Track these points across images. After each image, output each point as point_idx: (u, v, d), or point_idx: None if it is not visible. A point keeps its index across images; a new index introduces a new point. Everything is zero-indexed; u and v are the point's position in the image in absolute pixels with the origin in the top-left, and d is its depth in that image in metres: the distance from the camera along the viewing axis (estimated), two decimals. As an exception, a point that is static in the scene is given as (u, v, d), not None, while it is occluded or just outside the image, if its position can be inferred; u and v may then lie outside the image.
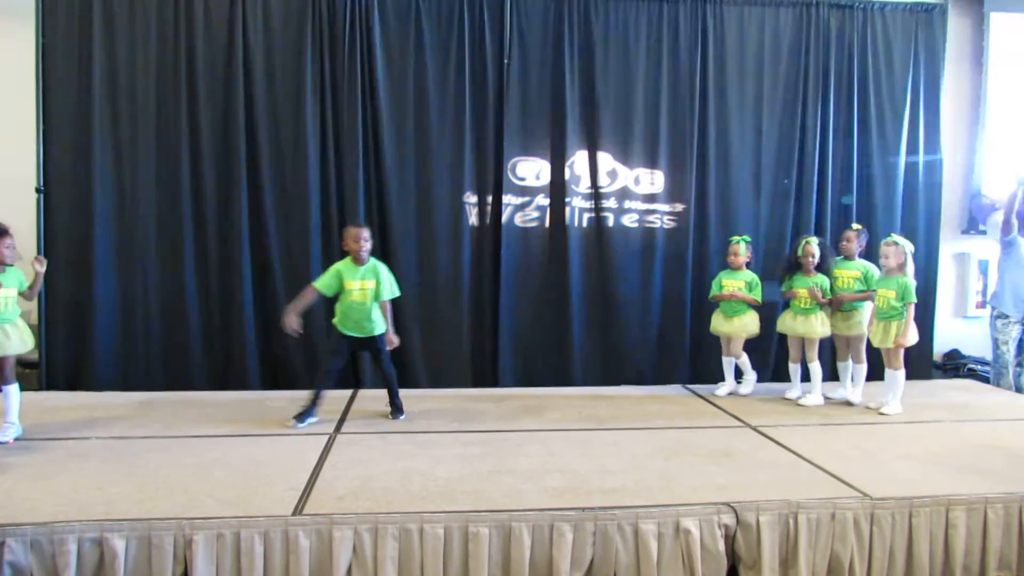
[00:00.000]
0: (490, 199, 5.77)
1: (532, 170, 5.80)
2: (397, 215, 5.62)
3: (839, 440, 4.24)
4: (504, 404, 5.09)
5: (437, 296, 5.76)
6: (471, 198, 5.78)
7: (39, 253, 5.29)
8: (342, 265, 4.41)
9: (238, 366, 5.58)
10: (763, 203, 6.07)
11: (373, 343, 4.49)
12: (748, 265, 5.38)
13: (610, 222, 5.93)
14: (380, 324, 4.46)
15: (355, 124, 5.54)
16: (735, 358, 5.39)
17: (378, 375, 4.88)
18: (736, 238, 5.42)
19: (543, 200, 5.86)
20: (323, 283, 4.36)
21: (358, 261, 4.38)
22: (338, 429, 4.40)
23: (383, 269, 4.47)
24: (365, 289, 4.38)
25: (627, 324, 5.92)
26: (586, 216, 5.94)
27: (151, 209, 5.47)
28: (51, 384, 5.44)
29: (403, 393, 4.73)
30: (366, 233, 4.39)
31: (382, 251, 5.59)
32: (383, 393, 4.77)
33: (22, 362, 5.61)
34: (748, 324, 5.31)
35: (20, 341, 4.07)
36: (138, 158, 5.48)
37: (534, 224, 5.85)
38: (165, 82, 5.49)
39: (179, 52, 5.48)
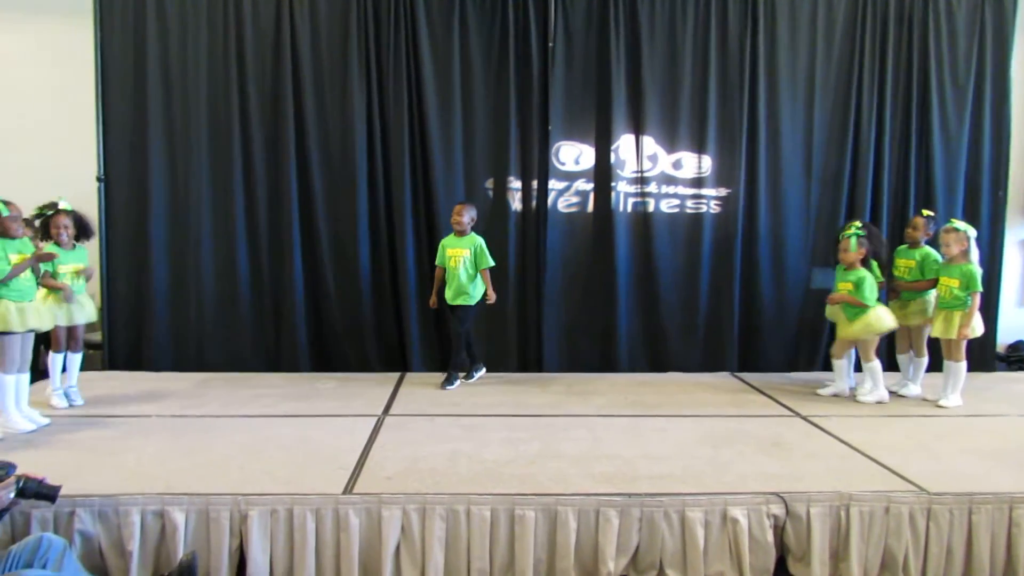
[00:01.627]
0: (535, 184, 5.74)
1: (572, 154, 5.74)
2: (443, 201, 5.61)
3: (895, 432, 4.13)
4: (550, 389, 5.07)
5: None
6: (515, 183, 5.76)
7: (101, 239, 5.51)
8: (445, 239, 5.06)
9: (289, 348, 5.69)
10: (814, 186, 5.92)
11: (457, 311, 4.96)
12: (864, 262, 4.77)
13: (656, 207, 5.84)
14: (474, 296, 4.94)
15: (401, 111, 5.57)
16: (866, 363, 4.80)
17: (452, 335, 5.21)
18: (847, 231, 4.80)
19: (583, 185, 5.81)
20: (438, 258, 5.07)
21: (460, 232, 5.00)
22: (386, 411, 4.45)
23: (479, 242, 4.98)
24: (458, 257, 4.94)
25: (674, 310, 5.84)
26: (631, 201, 5.86)
27: (204, 196, 5.59)
28: (112, 364, 5.63)
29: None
30: (468, 209, 5.01)
31: (428, 236, 5.65)
32: (432, 376, 4.87)
33: (87, 343, 5.85)
34: (872, 323, 4.71)
35: (90, 311, 4.42)
36: (191, 147, 5.60)
37: (576, 209, 5.81)
38: (216, 73, 5.59)
39: (228, 44, 5.58)
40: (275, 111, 5.58)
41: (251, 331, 5.69)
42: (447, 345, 5.44)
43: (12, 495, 2.45)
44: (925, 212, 5.14)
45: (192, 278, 5.65)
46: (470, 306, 4.98)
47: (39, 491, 2.58)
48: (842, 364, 4.98)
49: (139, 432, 3.89)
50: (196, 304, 5.66)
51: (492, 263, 5.02)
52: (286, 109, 5.55)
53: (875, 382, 4.79)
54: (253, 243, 5.65)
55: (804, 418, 4.41)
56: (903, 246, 5.10)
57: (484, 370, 5.21)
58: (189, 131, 5.55)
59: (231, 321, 5.65)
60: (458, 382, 4.98)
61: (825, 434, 4.07)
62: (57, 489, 2.64)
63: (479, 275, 5.00)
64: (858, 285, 4.69)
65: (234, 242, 5.62)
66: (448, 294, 4.98)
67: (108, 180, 5.56)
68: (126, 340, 5.64)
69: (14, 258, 3.84)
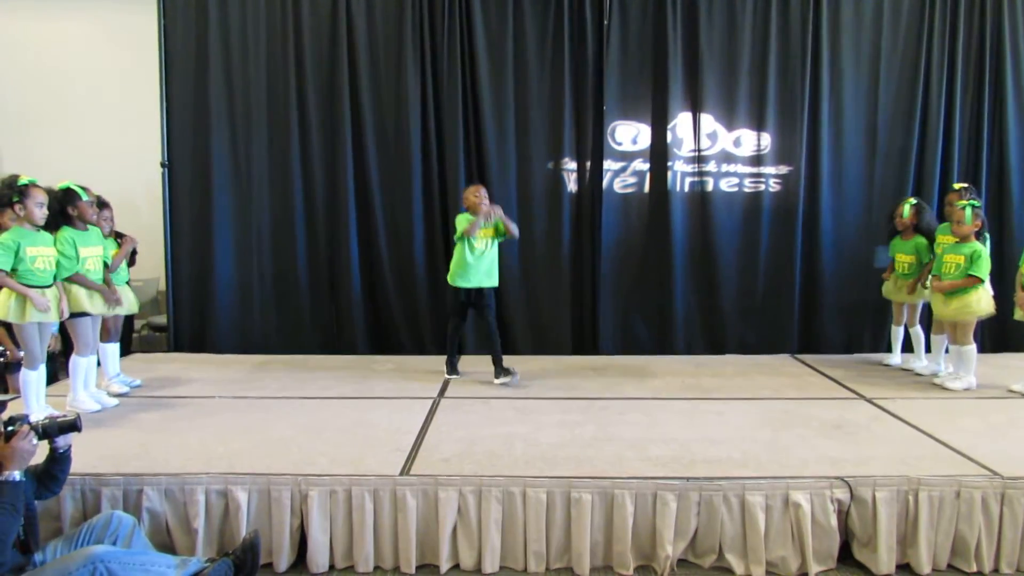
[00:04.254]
0: (589, 164, 5.68)
1: (629, 134, 5.67)
2: (497, 182, 5.58)
3: (965, 415, 3.97)
4: (605, 372, 5.04)
5: (537, 263, 5.72)
6: (570, 164, 5.71)
7: (165, 224, 5.66)
8: (465, 217, 4.61)
9: (347, 331, 5.75)
10: (878, 164, 5.73)
11: (482, 297, 4.60)
12: (979, 235, 4.45)
13: (713, 186, 5.74)
14: (496, 277, 4.65)
15: (455, 92, 5.54)
16: (960, 346, 4.50)
17: (482, 334, 5.03)
18: (961, 201, 4.48)
19: (640, 165, 5.73)
20: (461, 224, 4.58)
21: (476, 212, 4.58)
22: (442, 394, 4.46)
23: (499, 215, 4.64)
24: (486, 237, 4.59)
25: (732, 291, 5.75)
26: (688, 180, 5.76)
27: (264, 181, 5.66)
28: (177, 346, 5.77)
29: (504, 360, 4.72)
30: (482, 190, 4.64)
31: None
32: (486, 358, 4.80)
33: (153, 326, 6.04)
34: (972, 304, 4.39)
35: (129, 304, 4.46)
36: (251, 132, 5.68)
37: (632, 190, 5.75)
38: (274, 56, 5.65)
39: (287, 26, 5.63)
40: (331, 93, 5.61)
41: (310, 314, 5.76)
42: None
43: (35, 441, 2.40)
44: (957, 185, 4.92)
45: (253, 261, 5.75)
46: (496, 286, 4.77)
47: (60, 426, 2.50)
48: (940, 340, 4.80)
49: (203, 413, 3.95)
50: (258, 287, 5.76)
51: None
52: (342, 91, 5.58)
53: (967, 367, 4.51)
54: (311, 227, 5.71)
55: (868, 400, 4.29)
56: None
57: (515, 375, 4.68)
58: (250, 115, 5.62)
59: (290, 304, 5.73)
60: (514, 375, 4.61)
61: (891, 417, 3.95)
62: (76, 419, 2.54)
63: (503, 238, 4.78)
64: (973, 259, 4.37)
65: (292, 226, 5.69)
66: (478, 278, 4.61)
67: (171, 165, 5.67)
68: (190, 322, 5.74)
69: (85, 252, 3.93)
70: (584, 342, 5.80)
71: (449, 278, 4.68)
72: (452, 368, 4.81)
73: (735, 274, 5.73)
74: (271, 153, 5.64)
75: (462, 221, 4.58)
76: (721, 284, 5.76)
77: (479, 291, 4.61)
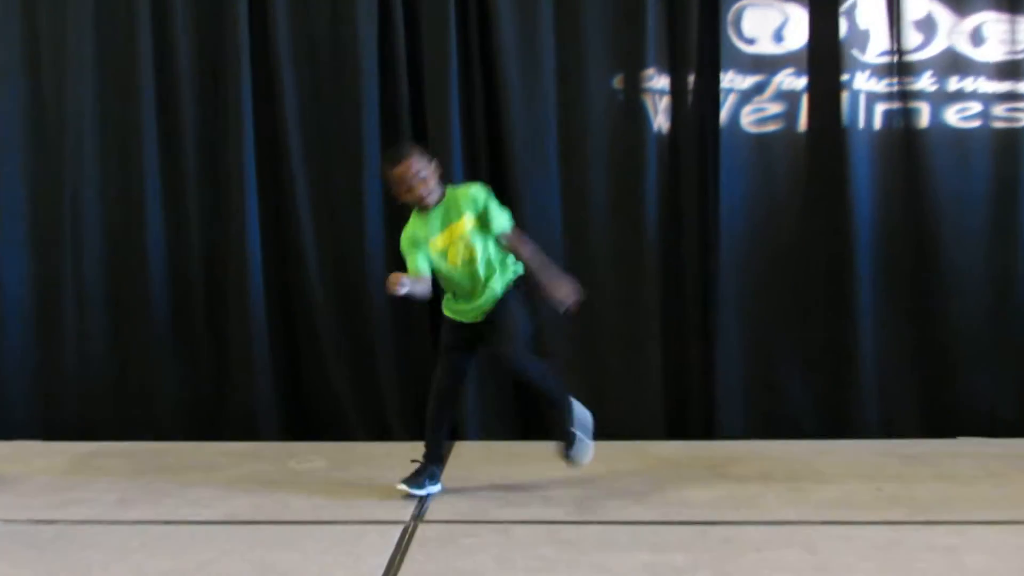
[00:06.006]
0: (693, 80, 4.05)
1: (768, 24, 4.03)
2: (519, 117, 4.01)
3: None
4: (729, 471, 3.80)
5: (595, 265, 4.10)
6: (657, 81, 4.04)
7: None
8: (410, 224, 3.30)
9: (241, 394, 4.25)
10: None
11: (496, 324, 3.31)
12: None
13: (932, 118, 4.04)
14: (505, 283, 3.30)
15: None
16: None
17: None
18: None
19: (792, 80, 4.06)
20: (412, 264, 3.26)
21: (424, 206, 3.23)
22: (418, 514, 3.30)
23: (474, 192, 3.24)
24: (457, 238, 3.23)
25: (969, 317, 4.03)
26: (881, 108, 4.08)
27: (91, 132, 4.25)
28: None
29: (539, 445, 3.51)
30: (414, 162, 3.18)
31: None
32: (499, 446, 3.78)
33: None
34: None
35: None
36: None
37: (774, 126, 4.09)
38: None
39: None
40: None
41: (173, 364, 4.22)
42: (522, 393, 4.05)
43: None
44: None
45: (66, 272, 4.19)
46: (509, 305, 3.34)
47: None
48: None
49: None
50: (73, 321, 4.18)
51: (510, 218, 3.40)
52: None
53: None
54: (173, 202, 4.24)
55: None
56: None
57: (589, 442, 3.39)
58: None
59: (135, 345, 4.25)
60: (587, 443, 3.35)
61: None
62: None
63: (500, 246, 3.33)
64: None
65: (139, 207, 4.18)
66: (464, 309, 3.36)
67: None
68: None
69: None
70: (688, 416, 4.21)
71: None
72: (434, 459, 3.48)
73: (975, 285, 4.05)
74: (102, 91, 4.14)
75: (407, 240, 3.29)
76: (947, 304, 4.04)
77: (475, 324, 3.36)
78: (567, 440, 3.16)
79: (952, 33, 4.05)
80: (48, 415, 4.21)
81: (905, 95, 4.03)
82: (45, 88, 4.23)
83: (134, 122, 4.12)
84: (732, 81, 4.02)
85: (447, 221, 3.06)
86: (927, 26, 4.01)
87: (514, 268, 3.22)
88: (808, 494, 3.41)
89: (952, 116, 4.06)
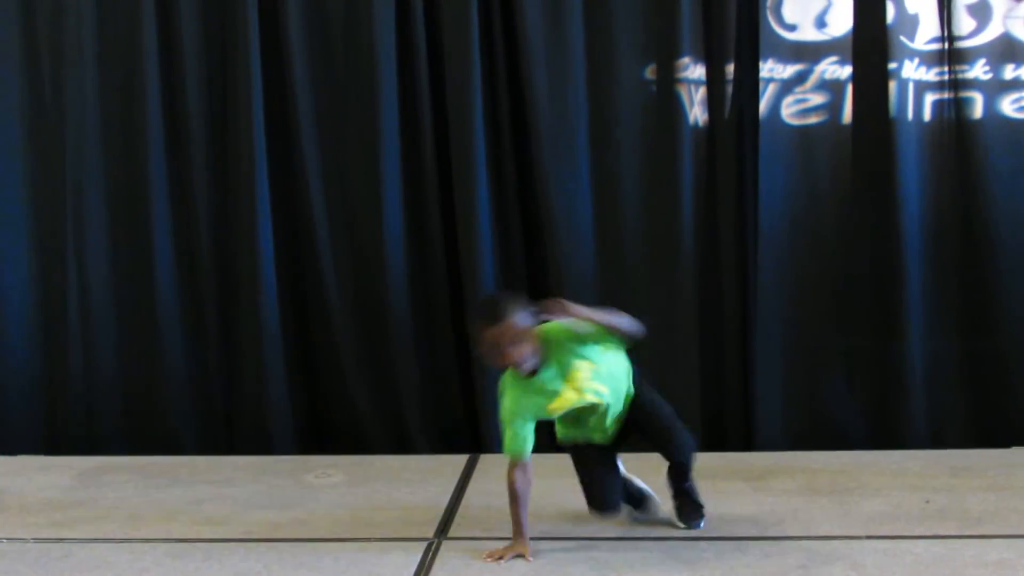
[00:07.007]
0: (732, 70, 3.91)
1: (811, 10, 3.89)
2: (545, 109, 3.86)
3: None
4: (770, 483, 3.72)
5: (628, 261, 3.99)
6: (693, 70, 3.90)
7: None
8: (511, 389, 2.92)
9: (255, 407, 4.17)
10: None
11: (640, 403, 3.11)
12: None
13: (985, 108, 3.89)
14: (627, 368, 3.08)
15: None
16: None
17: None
18: None
19: (836, 69, 3.94)
20: (514, 445, 2.91)
21: (527, 372, 2.88)
22: (442, 531, 3.26)
23: (571, 330, 2.87)
24: (582, 387, 2.91)
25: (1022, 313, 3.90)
26: (930, 98, 3.91)
27: (93, 134, 4.18)
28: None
29: (567, 459, 3.23)
30: (512, 325, 2.78)
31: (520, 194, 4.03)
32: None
33: None
34: None
35: None
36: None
37: (817, 119, 3.97)
38: None
39: None
40: None
41: (185, 373, 4.12)
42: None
43: None
44: None
45: (70, 277, 4.10)
46: (638, 379, 3.16)
47: None
48: None
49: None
50: (78, 325, 4.08)
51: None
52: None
53: None
54: (181, 201, 4.18)
55: None
56: None
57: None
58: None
59: (143, 354, 4.17)
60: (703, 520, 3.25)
61: None
62: None
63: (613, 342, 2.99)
64: None
65: (147, 204, 4.14)
66: (604, 425, 3.11)
67: None
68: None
69: None
70: (726, 426, 4.08)
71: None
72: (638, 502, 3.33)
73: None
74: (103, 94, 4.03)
75: (509, 411, 2.94)
76: (1001, 307, 3.88)
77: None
78: (698, 511, 3.08)
79: (1008, 18, 3.80)
80: (52, 428, 4.09)
81: (957, 84, 3.81)
82: (45, 88, 4.12)
83: (139, 114, 3.94)
84: (772, 70, 3.81)
85: (562, 374, 2.80)
86: (981, 10, 3.76)
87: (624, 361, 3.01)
88: (852, 507, 3.32)
89: (1008, 107, 3.78)
